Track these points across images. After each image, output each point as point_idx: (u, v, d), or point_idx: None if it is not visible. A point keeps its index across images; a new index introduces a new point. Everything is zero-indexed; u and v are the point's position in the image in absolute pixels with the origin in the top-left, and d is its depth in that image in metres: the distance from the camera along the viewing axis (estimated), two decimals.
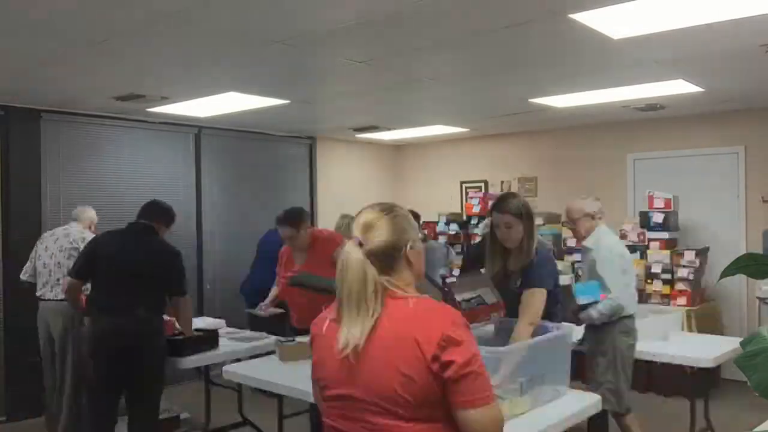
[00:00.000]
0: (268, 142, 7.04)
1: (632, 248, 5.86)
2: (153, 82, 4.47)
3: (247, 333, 4.56)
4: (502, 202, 3.09)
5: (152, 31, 3.25)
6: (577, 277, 5.75)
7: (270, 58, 3.81)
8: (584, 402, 2.75)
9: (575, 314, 3.58)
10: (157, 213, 3.87)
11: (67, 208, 5.40)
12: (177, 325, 4.02)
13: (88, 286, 3.83)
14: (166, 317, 4.01)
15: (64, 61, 3.84)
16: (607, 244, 3.59)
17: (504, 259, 3.11)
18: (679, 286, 5.60)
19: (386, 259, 1.55)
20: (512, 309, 2.92)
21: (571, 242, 6.17)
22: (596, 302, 3.47)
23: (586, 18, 3.14)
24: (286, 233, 4.05)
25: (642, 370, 5.38)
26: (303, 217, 4.11)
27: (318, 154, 7.57)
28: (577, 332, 3.53)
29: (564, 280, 5.23)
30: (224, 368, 3.58)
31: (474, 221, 6.97)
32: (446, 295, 2.97)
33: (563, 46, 3.69)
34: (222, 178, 6.61)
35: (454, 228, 7.04)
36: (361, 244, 1.54)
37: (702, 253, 5.66)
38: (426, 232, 7.41)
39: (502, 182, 7.55)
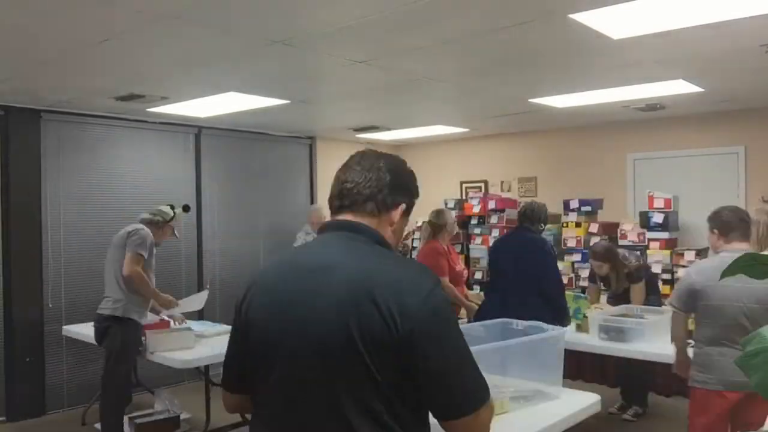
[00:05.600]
0: (268, 142, 7.04)
1: (632, 248, 5.87)
2: (153, 82, 4.46)
3: None
4: None
5: (152, 31, 3.25)
6: None
7: (270, 58, 3.81)
8: (582, 402, 2.75)
9: None
10: None
11: (67, 208, 5.41)
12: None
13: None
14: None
15: (64, 61, 3.84)
16: None
17: None
18: None
19: None
20: None
21: (572, 242, 6.17)
22: None
23: (586, 18, 3.14)
24: None
25: (642, 370, 5.39)
26: None
27: (318, 154, 7.56)
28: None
29: None
30: None
31: (474, 221, 6.95)
32: None
33: (563, 46, 3.69)
34: (222, 178, 6.60)
35: None
36: None
37: (702, 253, 5.65)
38: None
39: (502, 182, 7.55)
